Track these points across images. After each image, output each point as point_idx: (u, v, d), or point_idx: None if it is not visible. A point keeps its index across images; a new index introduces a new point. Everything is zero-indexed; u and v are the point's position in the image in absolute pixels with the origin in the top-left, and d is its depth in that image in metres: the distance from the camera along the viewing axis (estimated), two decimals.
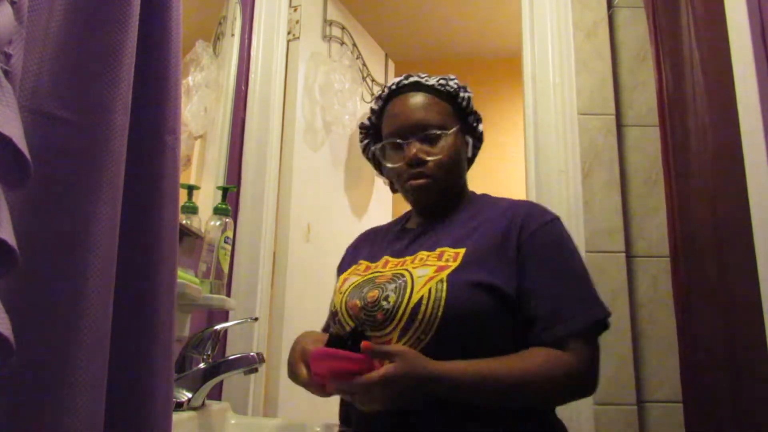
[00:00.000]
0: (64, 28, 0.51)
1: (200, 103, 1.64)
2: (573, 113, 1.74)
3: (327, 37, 2.24)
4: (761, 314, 1.06)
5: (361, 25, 2.53)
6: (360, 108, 2.44)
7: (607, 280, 1.63)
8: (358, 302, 0.93)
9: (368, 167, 2.71)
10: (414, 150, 0.99)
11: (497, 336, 0.88)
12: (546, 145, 1.72)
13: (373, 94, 2.55)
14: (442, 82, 1.05)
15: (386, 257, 1.01)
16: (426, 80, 1.05)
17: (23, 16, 0.42)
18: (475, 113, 1.07)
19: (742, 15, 1.17)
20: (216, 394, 1.52)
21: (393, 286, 0.91)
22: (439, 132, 1.00)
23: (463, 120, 1.06)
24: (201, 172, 1.71)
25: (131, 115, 0.57)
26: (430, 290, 0.87)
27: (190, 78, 1.62)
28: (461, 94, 1.05)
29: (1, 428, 0.45)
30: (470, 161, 1.09)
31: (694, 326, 1.40)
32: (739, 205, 1.15)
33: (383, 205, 2.66)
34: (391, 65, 2.79)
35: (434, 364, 0.82)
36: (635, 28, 1.82)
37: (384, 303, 0.89)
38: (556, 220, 0.97)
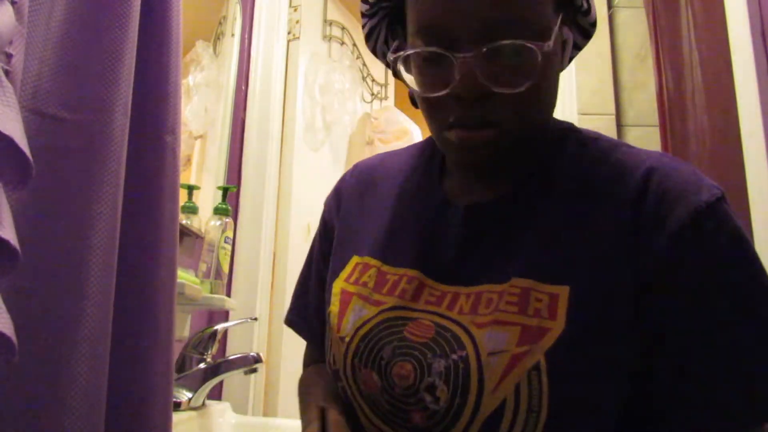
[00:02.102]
0: (65, 29, 0.51)
1: (200, 103, 1.64)
2: (573, 113, 1.74)
3: (327, 37, 2.24)
4: None
5: (361, 25, 2.53)
6: (360, 108, 2.44)
7: None
8: (376, 379, 0.54)
9: None
10: (474, 77, 0.48)
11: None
12: None
13: (373, 94, 2.56)
14: None
15: (418, 274, 0.57)
16: None
17: (24, 16, 0.42)
18: None
19: (742, 15, 1.17)
20: (216, 394, 1.52)
21: (441, 364, 0.51)
22: (530, 44, 0.48)
23: (569, 4, 0.54)
24: (201, 172, 1.71)
25: (131, 115, 0.57)
26: (518, 389, 0.47)
27: (190, 78, 1.62)
28: None
29: (1, 428, 0.45)
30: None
31: None
32: (739, 205, 1.15)
33: None
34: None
35: None
36: (635, 28, 1.82)
37: (428, 398, 0.51)
38: (717, 204, 0.48)
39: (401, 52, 0.54)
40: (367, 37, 0.63)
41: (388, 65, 0.63)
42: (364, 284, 0.59)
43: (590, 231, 0.51)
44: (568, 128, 0.60)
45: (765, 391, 0.45)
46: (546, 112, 0.55)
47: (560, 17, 0.52)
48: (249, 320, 1.43)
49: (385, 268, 0.59)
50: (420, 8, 0.51)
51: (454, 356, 0.50)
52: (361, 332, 0.56)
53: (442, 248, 0.58)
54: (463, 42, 0.49)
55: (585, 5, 0.55)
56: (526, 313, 0.49)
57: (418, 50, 0.52)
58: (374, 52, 0.64)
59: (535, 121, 0.53)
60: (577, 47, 0.60)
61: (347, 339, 0.57)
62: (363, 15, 0.61)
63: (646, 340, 0.48)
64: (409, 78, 0.55)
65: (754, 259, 0.47)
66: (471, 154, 0.52)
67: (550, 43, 0.49)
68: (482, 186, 0.58)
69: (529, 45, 0.48)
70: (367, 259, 0.61)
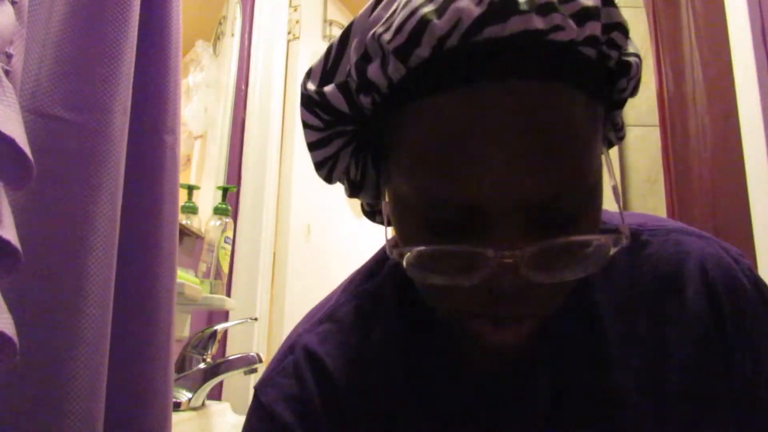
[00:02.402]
0: (65, 29, 0.51)
1: (200, 103, 1.64)
2: None
3: (327, 37, 2.24)
4: None
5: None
6: None
7: None
8: None
9: None
10: (517, 269, 0.33)
11: None
12: None
13: None
14: (553, 19, 0.32)
15: None
16: (538, 25, 0.32)
17: (24, 16, 0.42)
18: (633, 77, 0.42)
19: (742, 15, 1.17)
20: (216, 394, 1.52)
21: None
22: (585, 238, 0.35)
23: (602, 101, 0.39)
24: (201, 172, 1.71)
25: (131, 115, 0.57)
26: None
27: (190, 78, 1.62)
28: (603, 47, 0.37)
29: (1, 428, 0.45)
30: None
31: None
32: (739, 205, 1.15)
33: None
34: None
35: None
36: (635, 28, 1.82)
37: None
38: (744, 265, 0.46)
39: (411, 249, 0.36)
40: (318, 166, 0.47)
41: (365, 211, 0.50)
42: None
43: (675, 357, 0.43)
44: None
45: None
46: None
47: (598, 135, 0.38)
48: (249, 320, 1.43)
49: None
50: (419, 172, 0.35)
51: None
52: None
53: None
54: (501, 229, 0.34)
55: (620, 122, 0.44)
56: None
57: (441, 248, 0.35)
58: (330, 180, 0.48)
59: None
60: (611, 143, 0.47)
61: None
62: (308, 139, 0.45)
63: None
64: (406, 263, 0.37)
65: None
66: (499, 349, 0.40)
67: (618, 236, 0.36)
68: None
69: (583, 239, 0.35)
70: None
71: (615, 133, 0.44)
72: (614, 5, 0.37)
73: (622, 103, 0.42)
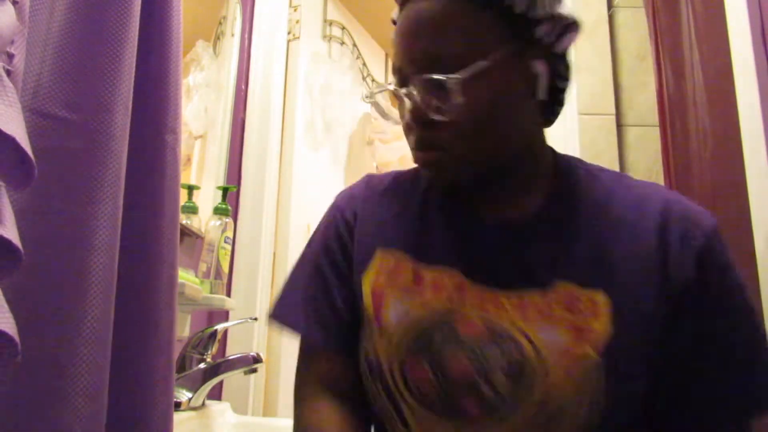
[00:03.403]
0: (65, 29, 0.51)
1: (200, 103, 1.64)
2: (573, 113, 1.74)
3: (327, 37, 2.24)
4: (760, 313, 1.06)
5: (361, 25, 2.53)
6: (360, 108, 2.44)
7: None
8: (426, 367, 0.57)
9: (368, 167, 2.69)
10: (410, 106, 0.57)
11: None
12: None
13: None
14: None
15: (459, 274, 0.60)
16: None
17: (25, 16, 0.42)
18: (553, 18, 0.56)
19: (742, 15, 1.17)
20: (216, 394, 1.52)
21: (498, 355, 0.56)
22: (452, 76, 0.53)
23: (524, 34, 0.56)
24: (201, 172, 1.71)
25: (131, 115, 0.57)
26: (581, 385, 0.54)
27: (190, 78, 1.62)
28: None
29: (1, 428, 0.45)
30: (551, 106, 0.62)
31: None
32: (740, 205, 1.15)
33: None
34: (391, 65, 2.79)
35: None
36: (635, 28, 1.82)
37: (485, 388, 0.55)
38: (717, 233, 0.58)
39: (378, 87, 0.65)
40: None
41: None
42: (398, 278, 0.62)
43: (620, 249, 0.57)
44: (575, 160, 0.66)
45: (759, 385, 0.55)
46: (496, 138, 0.58)
47: (510, 47, 0.55)
48: (249, 320, 1.43)
49: (421, 265, 0.62)
50: (392, 53, 0.61)
51: (514, 351, 0.55)
52: (407, 323, 0.60)
53: (478, 255, 0.61)
54: (407, 77, 0.58)
55: (548, 33, 0.57)
56: (573, 313, 0.55)
57: (381, 89, 0.63)
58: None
59: (483, 146, 0.58)
60: (562, 77, 0.61)
61: (391, 331, 0.60)
62: None
63: (673, 344, 0.56)
64: (386, 117, 0.67)
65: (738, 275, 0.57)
66: (428, 173, 0.62)
67: (480, 67, 0.54)
68: (503, 205, 0.63)
69: (437, 77, 0.54)
70: (398, 254, 0.64)
71: (552, 66, 0.59)
72: None
73: (535, 23, 0.56)
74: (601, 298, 0.55)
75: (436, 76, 0.54)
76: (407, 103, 0.57)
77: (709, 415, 0.56)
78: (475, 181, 0.60)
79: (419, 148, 0.59)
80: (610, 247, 0.57)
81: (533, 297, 0.57)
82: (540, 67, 0.57)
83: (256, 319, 1.49)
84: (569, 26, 0.58)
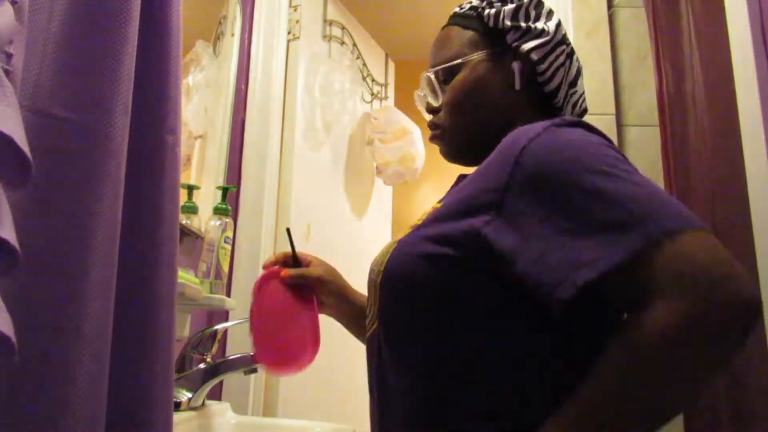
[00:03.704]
0: (65, 28, 0.51)
1: (200, 103, 1.64)
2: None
3: (327, 37, 2.24)
4: (760, 314, 1.06)
5: (361, 25, 2.53)
6: (360, 108, 2.44)
7: None
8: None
9: (368, 167, 2.69)
10: (420, 98, 0.86)
11: (464, 314, 0.62)
12: None
13: (373, 94, 2.56)
14: (464, 5, 0.84)
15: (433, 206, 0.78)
16: (456, 9, 0.85)
17: (24, 15, 0.42)
18: (519, 27, 0.78)
19: (742, 15, 1.17)
20: (216, 394, 1.52)
21: (386, 245, 0.74)
22: (442, 66, 0.80)
23: (499, 42, 0.79)
24: (201, 172, 1.71)
25: (131, 115, 0.57)
26: (384, 252, 0.71)
27: (190, 78, 1.62)
28: (485, 11, 0.80)
29: (2, 428, 0.45)
30: (532, 88, 0.78)
31: None
32: (739, 205, 1.15)
33: (383, 205, 2.66)
34: (391, 65, 2.78)
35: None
36: (635, 28, 1.82)
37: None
38: (550, 129, 0.63)
39: (416, 98, 0.89)
40: None
41: None
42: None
43: (474, 175, 0.69)
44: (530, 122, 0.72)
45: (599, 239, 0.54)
46: (480, 111, 0.79)
47: (488, 49, 0.79)
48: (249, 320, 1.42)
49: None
50: None
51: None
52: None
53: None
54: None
55: (516, 40, 0.78)
56: (420, 218, 0.72)
57: (417, 95, 0.88)
58: None
59: (467, 125, 0.80)
60: (538, 71, 0.78)
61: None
62: None
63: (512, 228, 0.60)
64: None
65: (578, 151, 0.60)
66: (440, 150, 0.84)
67: (460, 62, 0.79)
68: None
69: (427, 74, 0.83)
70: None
71: (523, 63, 0.78)
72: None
73: (516, 39, 0.78)
74: (437, 206, 0.70)
75: (427, 73, 0.82)
76: (420, 101, 0.87)
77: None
78: (468, 151, 0.81)
79: (429, 129, 0.84)
80: (472, 177, 0.69)
81: (428, 210, 0.73)
82: (515, 65, 0.78)
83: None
84: (538, 34, 0.78)
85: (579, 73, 0.83)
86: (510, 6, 0.79)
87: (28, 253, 0.39)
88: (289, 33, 1.97)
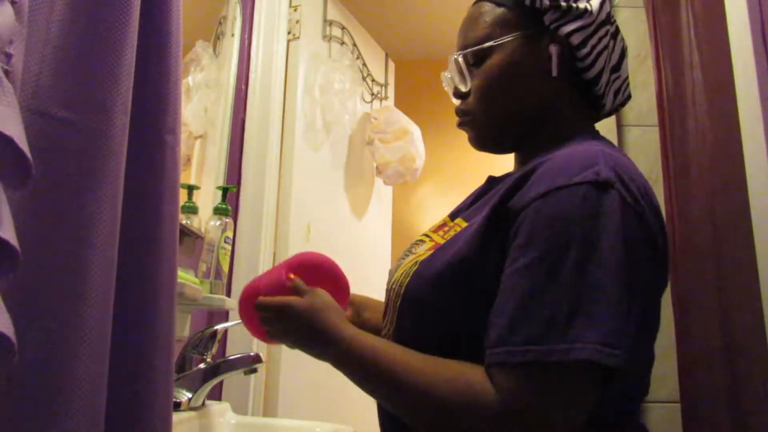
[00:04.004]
0: (65, 28, 0.51)
1: (200, 103, 1.64)
2: None
3: (327, 37, 2.24)
4: (761, 314, 1.06)
5: (361, 25, 2.52)
6: (360, 108, 2.44)
7: None
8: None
9: (368, 167, 2.69)
10: (448, 80, 0.79)
11: (473, 338, 0.63)
12: None
13: (373, 94, 2.56)
14: None
15: (446, 217, 0.79)
16: None
17: (24, 16, 0.42)
18: (559, 7, 0.71)
19: (742, 15, 1.17)
20: (216, 394, 1.52)
21: (404, 258, 0.75)
22: (473, 48, 0.73)
23: (536, 22, 0.72)
24: (201, 172, 1.71)
25: (131, 115, 0.57)
26: (405, 272, 0.70)
27: (190, 78, 1.62)
28: None
29: (2, 429, 0.45)
30: (570, 74, 0.73)
31: (692, 326, 1.40)
32: (739, 205, 1.15)
33: (383, 205, 2.66)
34: (391, 65, 2.78)
35: (339, 324, 0.67)
36: (635, 28, 1.82)
37: (390, 278, 0.75)
38: (579, 186, 0.59)
39: (444, 80, 0.83)
40: None
41: None
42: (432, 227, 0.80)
43: (499, 194, 0.66)
44: (591, 141, 0.71)
45: (523, 326, 0.57)
46: (513, 98, 0.73)
47: (521, 30, 0.72)
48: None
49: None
50: None
51: (409, 253, 0.75)
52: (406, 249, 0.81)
53: (468, 202, 0.79)
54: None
55: (555, 21, 0.71)
56: (445, 234, 0.72)
57: (444, 76, 0.81)
58: None
59: (498, 113, 0.75)
60: (576, 57, 0.72)
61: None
62: None
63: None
64: None
65: (582, 228, 0.58)
66: (469, 139, 0.79)
67: (493, 44, 0.73)
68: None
69: (455, 57, 0.76)
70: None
71: (562, 47, 0.72)
72: None
73: (555, 20, 0.72)
74: (463, 224, 0.69)
75: (455, 55, 0.76)
76: (447, 83, 0.80)
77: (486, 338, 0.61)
78: (499, 140, 0.77)
79: (457, 116, 0.78)
80: (497, 194, 0.67)
81: (451, 223, 0.75)
82: (552, 49, 0.71)
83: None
84: (580, 15, 0.71)
85: (623, 54, 0.77)
86: None
87: (29, 253, 0.39)
88: (289, 33, 1.97)
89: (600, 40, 0.72)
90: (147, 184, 0.62)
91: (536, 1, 0.71)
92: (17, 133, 0.35)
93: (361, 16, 2.54)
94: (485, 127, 0.76)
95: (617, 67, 0.76)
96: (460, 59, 0.75)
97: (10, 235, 0.35)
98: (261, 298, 0.76)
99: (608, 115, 0.84)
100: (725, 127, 1.23)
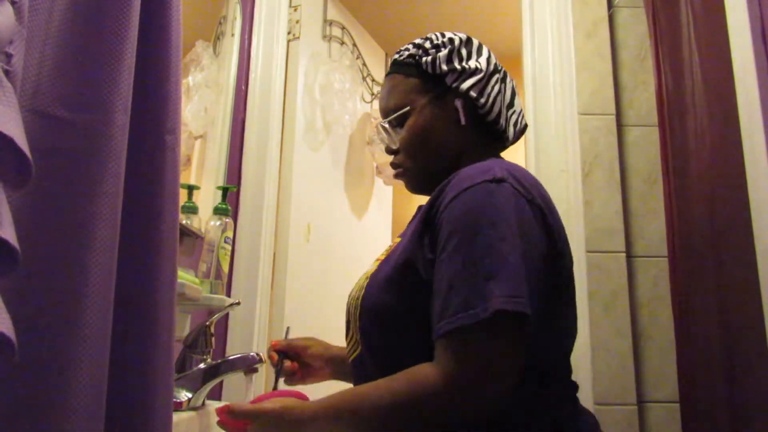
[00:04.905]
0: (65, 29, 0.51)
1: (200, 103, 1.64)
2: (573, 113, 1.74)
3: (327, 37, 2.24)
4: (761, 314, 1.06)
5: (361, 25, 2.53)
6: (360, 108, 2.44)
7: (607, 280, 1.63)
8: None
9: (368, 167, 2.69)
10: (378, 141, 1.00)
11: (424, 335, 0.73)
12: (546, 144, 1.72)
13: (373, 94, 2.56)
14: (402, 53, 0.92)
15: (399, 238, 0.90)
16: (396, 57, 0.93)
17: (24, 16, 0.42)
18: (455, 70, 0.87)
19: (742, 15, 1.17)
20: (216, 394, 1.52)
21: (360, 279, 0.86)
22: (394, 115, 0.89)
23: (440, 85, 0.88)
24: (201, 172, 1.71)
25: (131, 115, 0.57)
26: (359, 287, 0.83)
27: (190, 78, 1.62)
28: (423, 59, 0.88)
29: (1, 429, 0.45)
30: (476, 120, 0.88)
31: (692, 326, 1.40)
32: (739, 205, 1.15)
33: (383, 205, 2.66)
34: None
35: (303, 408, 0.75)
36: (635, 28, 1.82)
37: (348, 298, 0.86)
38: (479, 185, 0.74)
39: (376, 134, 1.08)
40: None
41: None
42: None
43: (420, 213, 0.81)
44: (481, 165, 0.82)
45: (449, 303, 0.69)
46: (433, 150, 0.89)
47: (431, 93, 0.88)
48: (234, 305, 1.40)
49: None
50: None
51: (365, 273, 0.86)
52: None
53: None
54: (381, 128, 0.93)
55: (454, 81, 0.87)
56: (386, 252, 0.86)
57: (378, 132, 0.95)
58: None
59: (422, 163, 0.90)
60: (477, 106, 0.87)
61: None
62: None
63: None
64: None
65: (483, 214, 0.72)
66: (395, 176, 0.94)
67: (410, 109, 0.89)
68: None
69: (394, 116, 0.90)
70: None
71: (464, 100, 0.88)
72: (436, 48, 0.90)
73: (455, 81, 0.88)
74: (398, 241, 0.85)
75: (382, 123, 0.91)
76: (380, 141, 0.95)
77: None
78: (428, 185, 0.88)
79: (392, 168, 0.94)
80: (418, 215, 0.83)
81: (394, 243, 0.88)
82: (457, 103, 0.87)
83: (238, 303, 1.47)
84: (473, 72, 0.87)
85: (514, 93, 0.93)
86: (443, 51, 0.88)
87: (28, 253, 0.39)
88: (289, 33, 1.97)
89: (492, 87, 0.88)
90: (147, 184, 0.62)
91: (436, 68, 0.88)
92: (17, 133, 0.35)
93: (361, 16, 2.54)
94: (414, 177, 0.91)
95: (511, 104, 0.92)
96: (386, 125, 0.91)
97: (10, 235, 0.35)
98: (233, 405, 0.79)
99: (512, 143, 0.96)
100: (725, 127, 1.23)
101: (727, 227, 1.23)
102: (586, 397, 1.50)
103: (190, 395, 1.10)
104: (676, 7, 1.49)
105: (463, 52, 0.89)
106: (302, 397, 0.84)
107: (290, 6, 1.99)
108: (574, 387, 0.83)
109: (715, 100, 1.28)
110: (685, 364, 1.44)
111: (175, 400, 1.08)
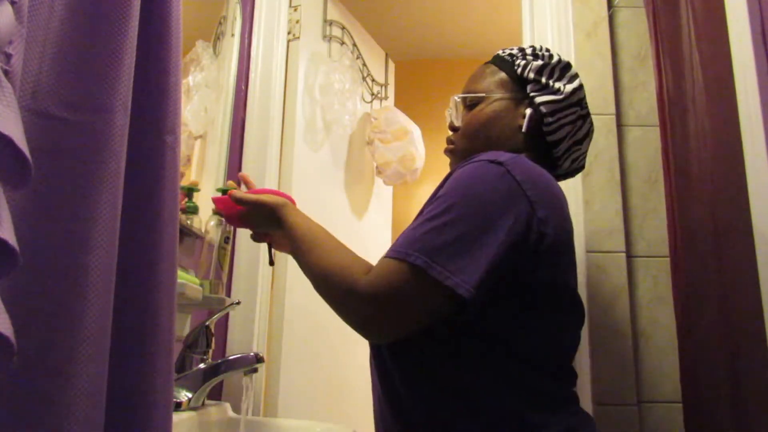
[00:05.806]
0: (64, 28, 0.51)
1: (200, 103, 1.64)
2: None
3: (327, 37, 2.24)
4: (761, 314, 1.06)
5: (361, 25, 2.52)
6: (360, 108, 2.44)
7: (607, 280, 1.63)
8: None
9: (368, 167, 2.69)
10: (447, 114, 1.01)
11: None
12: None
13: (373, 94, 2.56)
14: (506, 50, 1.01)
15: None
16: (500, 52, 1.02)
17: (23, 16, 0.42)
18: (539, 82, 0.95)
19: (742, 15, 1.17)
20: (216, 394, 1.52)
21: None
22: (469, 96, 0.97)
23: (521, 90, 0.96)
24: (201, 172, 1.71)
25: (131, 115, 0.57)
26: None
27: (190, 78, 1.62)
28: (518, 60, 0.97)
29: (1, 430, 0.45)
30: (538, 135, 0.95)
31: (693, 326, 1.40)
32: (739, 205, 1.15)
33: (383, 205, 2.66)
34: (391, 65, 2.78)
35: (282, 208, 0.93)
36: (635, 28, 1.82)
37: None
38: (480, 162, 0.81)
39: (447, 111, 1.06)
40: None
41: None
42: None
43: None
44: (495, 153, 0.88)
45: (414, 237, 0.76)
46: (484, 141, 0.94)
47: (512, 93, 0.96)
48: (234, 305, 1.40)
49: None
50: None
51: None
52: None
53: None
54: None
55: (533, 91, 0.94)
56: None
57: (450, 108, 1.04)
58: None
59: (473, 150, 0.92)
60: (542, 121, 0.94)
61: None
62: None
63: None
64: None
65: (462, 184, 0.79)
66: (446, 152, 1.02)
67: (486, 98, 0.97)
68: None
69: (466, 97, 0.99)
70: None
71: (533, 111, 0.95)
72: (535, 58, 0.98)
73: (536, 89, 0.96)
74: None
75: (456, 96, 0.99)
76: (447, 116, 1.02)
77: None
78: None
79: (446, 143, 1.00)
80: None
81: None
82: (527, 111, 0.94)
83: (239, 302, 1.47)
84: (554, 92, 0.93)
85: (588, 136, 0.99)
86: (539, 62, 0.95)
87: (28, 253, 0.39)
88: (289, 33, 1.97)
89: (567, 115, 0.94)
90: (147, 184, 0.62)
91: (524, 73, 0.95)
92: (17, 133, 0.35)
93: (361, 16, 2.54)
94: (461, 157, 0.95)
95: (580, 141, 0.98)
96: (459, 100, 0.99)
97: (10, 235, 0.35)
98: (237, 192, 0.98)
99: (562, 177, 1.03)
100: (725, 127, 1.23)
101: (727, 227, 1.23)
102: (586, 397, 1.50)
103: (190, 395, 1.10)
104: (676, 7, 1.49)
105: (556, 71, 0.96)
106: (290, 200, 1.02)
107: (290, 6, 1.99)
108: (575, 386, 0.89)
109: (715, 100, 1.28)
110: (686, 364, 1.44)
111: (175, 400, 1.08)
